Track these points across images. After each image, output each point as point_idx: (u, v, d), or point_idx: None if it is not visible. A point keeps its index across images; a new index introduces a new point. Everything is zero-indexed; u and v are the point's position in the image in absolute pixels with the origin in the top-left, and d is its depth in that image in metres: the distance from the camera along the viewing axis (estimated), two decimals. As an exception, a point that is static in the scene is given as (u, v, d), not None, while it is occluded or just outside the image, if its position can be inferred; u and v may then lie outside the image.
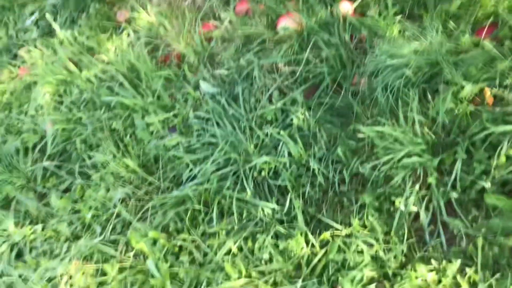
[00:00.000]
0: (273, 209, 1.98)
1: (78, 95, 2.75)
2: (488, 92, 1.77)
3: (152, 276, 1.95)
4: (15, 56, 3.28)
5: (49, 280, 2.14)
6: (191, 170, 2.23)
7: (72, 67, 2.82)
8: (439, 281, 1.55)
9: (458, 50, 1.93)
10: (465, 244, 1.65)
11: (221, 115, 2.30)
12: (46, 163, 2.62)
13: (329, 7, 2.36)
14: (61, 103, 2.78)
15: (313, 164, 2.01)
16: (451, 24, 1.98)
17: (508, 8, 1.91)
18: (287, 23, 2.38)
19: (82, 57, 2.89)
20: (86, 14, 3.29)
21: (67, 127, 2.66)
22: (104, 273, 2.09)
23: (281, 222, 1.96)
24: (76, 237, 2.33)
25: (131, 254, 2.06)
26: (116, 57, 2.75)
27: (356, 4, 2.34)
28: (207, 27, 2.67)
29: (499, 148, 1.65)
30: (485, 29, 1.91)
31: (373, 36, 2.19)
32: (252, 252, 1.89)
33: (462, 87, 1.80)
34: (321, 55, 2.26)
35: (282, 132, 2.09)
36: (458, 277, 1.55)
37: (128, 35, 2.90)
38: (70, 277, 2.12)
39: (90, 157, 2.52)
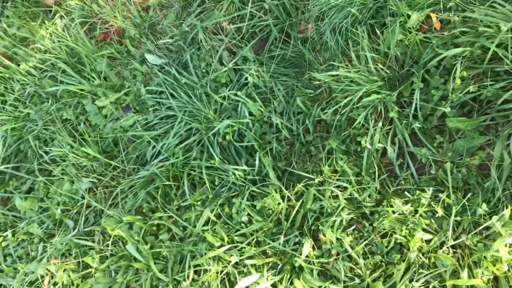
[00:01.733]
0: (244, 171, 1.97)
1: (21, 91, 2.61)
2: (434, 18, 1.77)
3: (135, 260, 1.93)
4: None
5: (31, 283, 2.09)
6: (153, 147, 2.18)
7: (7, 62, 2.65)
8: (416, 211, 1.59)
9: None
10: (434, 171, 1.68)
11: (173, 86, 2.23)
12: (2, 167, 2.51)
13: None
14: (4, 102, 2.64)
15: (275, 119, 1.99)
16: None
17: None
18: (224, -21, 2.29)
19: (16, 50, 2.72)
20: (11, 2, 3.07)
21: (16, 126, 2.53)
22: (86, 267, 2.05)
23: (254, 182, 1.95)
24: (50, 236, 2.27)
25: (109, 242, 2.03)
26: (53, 44, 2.60)
27: None
28: (142, -3, 2.55)
29: (453, 71, 1.66)
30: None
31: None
32: (230, 217, 1.89)
33: (409, 17, 1.79)
34: (264, 7, 2.19)
35: (239, 93, 2.05)
36: (433, 204, 1.59)
37: (61, 18, 2.74)
38: (52, 277, 2.08)
39: (47, 153, 2.42)
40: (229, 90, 2.11)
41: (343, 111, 1.85)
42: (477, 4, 1.71)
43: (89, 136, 2.35)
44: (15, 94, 2.61)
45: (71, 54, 2.57)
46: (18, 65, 2.67)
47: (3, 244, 2.29)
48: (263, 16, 2.20)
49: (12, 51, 2.76)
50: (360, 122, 1.81)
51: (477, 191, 1.58)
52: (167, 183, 2.06)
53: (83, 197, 2.23)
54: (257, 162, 1.96)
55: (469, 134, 1.65)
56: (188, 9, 2.41)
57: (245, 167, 1.97)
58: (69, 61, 2.52)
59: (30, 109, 2.54)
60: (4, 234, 2.31)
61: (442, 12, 1.76)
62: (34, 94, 2.60)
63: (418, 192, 1.63)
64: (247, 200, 1.88)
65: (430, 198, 1.59)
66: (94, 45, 2.56)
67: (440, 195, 1.59)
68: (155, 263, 1.87)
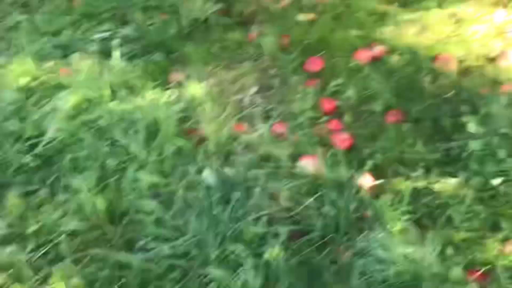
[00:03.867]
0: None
1: (95, 118, 2.76)
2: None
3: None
4: (66, 56, 3.33)
5: None
6: (146, 242, 2.16)
7: (107, 93, 2.86)
8: None
9: (445, 278, 1.90)
10: None
11: (203, 209, 2.26)
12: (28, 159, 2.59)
13: (352, 171, 2.40)
14: (75, 117, 2.79)
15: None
16: (450, 251, 1.97)
17: (504, 266, 1.91)
18: (308, 164, 2.42)
19: (121, 89, 2.93)
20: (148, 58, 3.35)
21: (67, 141, 2.64)
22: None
23: None
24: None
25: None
26: (149, 108, 2.78)
27: (377, 182, 2.37)
28: (239, 128, 2.73)
29: None
30: (478, 273, 1.90)
31: (376, 220, 2.19)
32: None
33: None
34: (322, 209, 2.25)
35: (249, 260, 2.03)
36: None
37: (170, 96, 2.94)
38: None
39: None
40: (244, 251, 2.09)
41: None
42: None
43: (110, 191, 2.39)
44: (87, 118, 2.76)
45: (154, 124, 2.71)
46: (111, 100, 2.86)
47: None
48: (316, 215, 2.24)
49: (117, 87, 2.97)
50: None
51: None
52: (132, 282, 1.99)
53: (60, 234, 2.20)
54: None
55: None
56: (264, 163, 2.53)
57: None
58: (148, 128, 2.66)
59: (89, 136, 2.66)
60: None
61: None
62: (101, 128, 2.73)
63: None
64: None
65: None
66: (176, 129, 2.69)
67: None
68: None
